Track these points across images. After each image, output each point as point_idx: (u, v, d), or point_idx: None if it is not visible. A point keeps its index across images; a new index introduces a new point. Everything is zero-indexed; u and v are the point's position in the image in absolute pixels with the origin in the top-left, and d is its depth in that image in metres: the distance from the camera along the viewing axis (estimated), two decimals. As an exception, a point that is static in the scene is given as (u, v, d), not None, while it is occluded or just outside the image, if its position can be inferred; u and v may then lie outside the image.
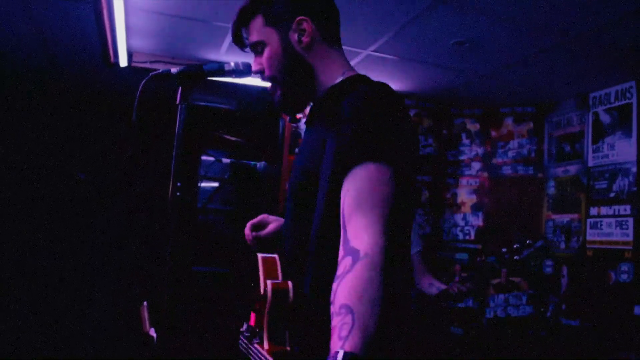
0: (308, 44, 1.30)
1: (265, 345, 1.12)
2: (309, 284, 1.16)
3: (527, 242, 2.59)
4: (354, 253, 1.00)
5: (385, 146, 1.10)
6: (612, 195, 3.67)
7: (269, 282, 1.14)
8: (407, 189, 1.16)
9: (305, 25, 1.29)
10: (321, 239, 1.16)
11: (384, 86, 1.21)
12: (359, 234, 1.02)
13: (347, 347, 0.91)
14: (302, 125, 4.11)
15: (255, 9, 1.32)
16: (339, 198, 1.10)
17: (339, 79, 1.31)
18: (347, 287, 0.97)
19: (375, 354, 0.94)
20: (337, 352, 0.91)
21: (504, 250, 2.61)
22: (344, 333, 0.93)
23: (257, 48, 1.35)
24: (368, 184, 1.06)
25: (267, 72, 1.34)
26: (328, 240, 1.13)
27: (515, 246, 2.58)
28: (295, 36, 1.29)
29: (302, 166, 1.30)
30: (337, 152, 1.12)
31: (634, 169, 3.54)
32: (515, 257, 2.57)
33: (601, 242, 3.70)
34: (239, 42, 1.40)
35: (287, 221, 1.34)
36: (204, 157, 4.92)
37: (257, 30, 1.33)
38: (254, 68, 1.37)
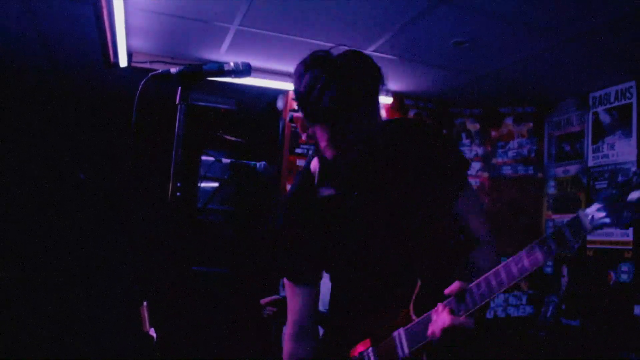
0: None
1: None
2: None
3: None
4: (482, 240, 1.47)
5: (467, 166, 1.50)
6: (612, 195, 3.67)
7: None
8: None
9: None
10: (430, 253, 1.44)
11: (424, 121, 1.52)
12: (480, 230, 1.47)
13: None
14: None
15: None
16: (443, 217, 1.44)
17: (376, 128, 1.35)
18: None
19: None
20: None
21: None
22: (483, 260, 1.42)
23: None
24: (478, 199, 1.55)
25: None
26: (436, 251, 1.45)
27: None
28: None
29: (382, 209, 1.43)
30: (445, 183, 1.43)
31: (634, 169, 3.53)
32: None
33: (601, 242, 3.70)
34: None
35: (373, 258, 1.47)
36: (204, 157, 4.91)
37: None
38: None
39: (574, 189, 4.00)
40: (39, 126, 4.91)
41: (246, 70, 1.39)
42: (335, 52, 1.28)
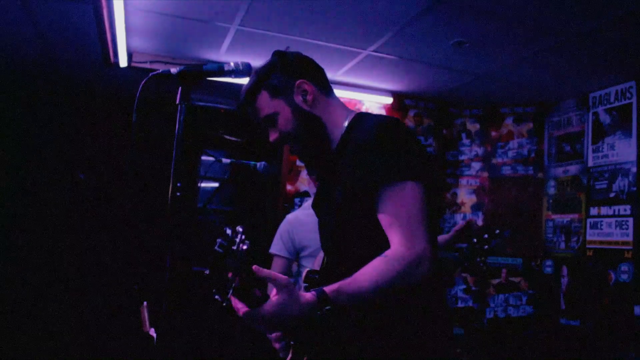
0: (312, 101, 1.44)
1: None
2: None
3: (496, 232, 2.67)
4: (384, 254, 1.23)
5: (410, 165, 1.29)
6: (612, 195, 3.67)
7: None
8: (432, 200, 1.33)
9: (305, 86, 1.44)
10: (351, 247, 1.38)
11: (386, 116, 1.39)
12: (392, 242, 1.25)
13: (327, 289, 1.16)
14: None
15: (258, 88, 1.45)
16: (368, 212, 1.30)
17: (345, 124, 1.45)
18: (365, 267, 1.22)
19: (343, 310, 1.16)
20: (320, 288, 1.16)
21: (475, 240, 2.70)
22: (335, 284, 1.18)
23: (270, 120, 1.47)
24: (401, 201, 1.27)
25: (285, 138, 1.47)
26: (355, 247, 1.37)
27: (484, 236, 2.67)
28: (300, 98, 1.44)
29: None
30: (366, 175, 1.29)
31: (634, 169, 3.54)
32: (485, 247, 2.67)
33: (601, 242, 3.70)
34: (251, 118, 1.54)
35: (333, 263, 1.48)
36: (204, 157, 4.91)
37: (266, 105, 1.45)
38: (271, 139, 1.50)
39: (574, 189, 4.00)
40: (39, 126, 4.91)
41: (246, 70, 1.39)
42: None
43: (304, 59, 1.51)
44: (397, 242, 1.23)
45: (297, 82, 1.43)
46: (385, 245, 1.26)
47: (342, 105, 1.52)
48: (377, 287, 1.18)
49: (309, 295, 1.15)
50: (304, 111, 1.43)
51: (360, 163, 1.30)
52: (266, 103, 1.45)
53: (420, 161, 1.31)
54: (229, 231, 1.09)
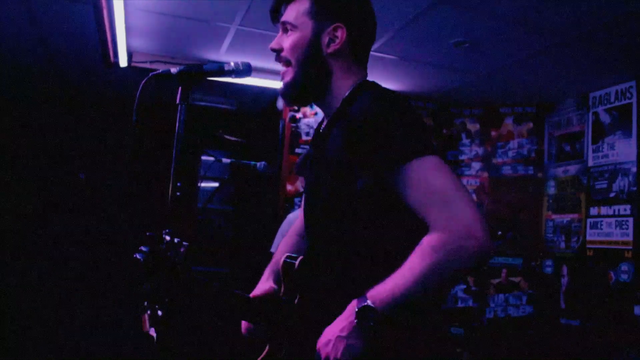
0: (335, 51, 1.32)
1: None
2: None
3: (498, 233, 2.66)
4: (421, 242, 1.14)
5: (427, 140, 1.18)
6: (612, 195, 3.67)
7: None
8: None
9: (339, 33, 1.31)
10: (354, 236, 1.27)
11: (387, 91, 1.27)
12: (430, 225, 1.14)
13: (372, 300, 1.11)
14: (302, 126, 4.11)
15: None
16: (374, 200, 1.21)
17: (346, 92, 1.33)
18: (406, 265, 1.13)
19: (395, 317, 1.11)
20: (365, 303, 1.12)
21: None
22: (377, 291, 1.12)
23: (286, 29, 1.35)
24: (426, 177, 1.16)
25: (284, 54, 1.34)
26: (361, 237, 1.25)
27: None
28: (327, 39, 1.31)
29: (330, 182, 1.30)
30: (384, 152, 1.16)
31: (634, 169, 3.54)
32: None
33: (601, 242, 3.70)
34: (275, 15, 1.40)
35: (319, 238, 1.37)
36: (204, 157, 4.92)
37: (297, 13, 1.33)
38: (272, 45, 1.38)
39: (574, 189, 4.00)
40: (39, 126, 4.91)
41: (246, 70, 1.38)
42: None
43: (367, 15, 1.37)
44: (434, 222, 1.12)
45: (337, 24, 1.30)
46: (386, 228, 1.20)
47: (362, 75, 1.37)
48: (427, 282, 1.11)
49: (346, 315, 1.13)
50: (319, 52, 1.31)
51: (362, 142, 1.18)
52: (298, 12, 1.32)
53: (431, 137, 1.20)
54: (159, 236, 0.99)
